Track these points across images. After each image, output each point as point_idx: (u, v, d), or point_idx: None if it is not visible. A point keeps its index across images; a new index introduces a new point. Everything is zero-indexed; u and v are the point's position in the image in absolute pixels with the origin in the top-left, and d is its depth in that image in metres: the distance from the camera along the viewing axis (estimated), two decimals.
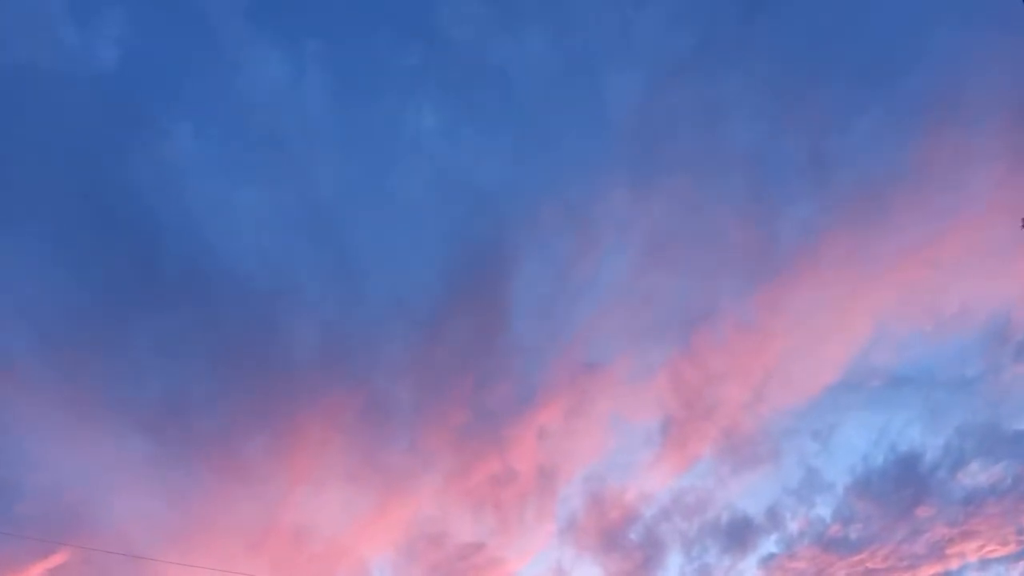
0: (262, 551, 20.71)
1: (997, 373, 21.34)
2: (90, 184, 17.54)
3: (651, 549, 23.00)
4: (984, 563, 22.17)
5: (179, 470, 19.98)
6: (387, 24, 18.99)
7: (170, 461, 19.80)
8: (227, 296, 19.25)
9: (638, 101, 19.42)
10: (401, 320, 20.63)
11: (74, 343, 18.28)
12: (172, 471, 19.89)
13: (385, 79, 19.49)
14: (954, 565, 22.22)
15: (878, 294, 21.21)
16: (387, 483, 22.10)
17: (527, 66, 19.04)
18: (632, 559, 23.09)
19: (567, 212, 20.48)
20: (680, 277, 21.20)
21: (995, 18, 17.16)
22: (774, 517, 22.97)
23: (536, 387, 22.10)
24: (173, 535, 19.79)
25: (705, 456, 23.39)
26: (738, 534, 23.01)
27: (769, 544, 23.05)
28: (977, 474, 21.81)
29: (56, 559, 18.07)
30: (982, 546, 22.07)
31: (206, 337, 19.76)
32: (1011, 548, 21.93)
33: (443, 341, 21.15)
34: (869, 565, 22.39)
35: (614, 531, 23.39)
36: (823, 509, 22.86)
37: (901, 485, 22.28)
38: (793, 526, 23.02)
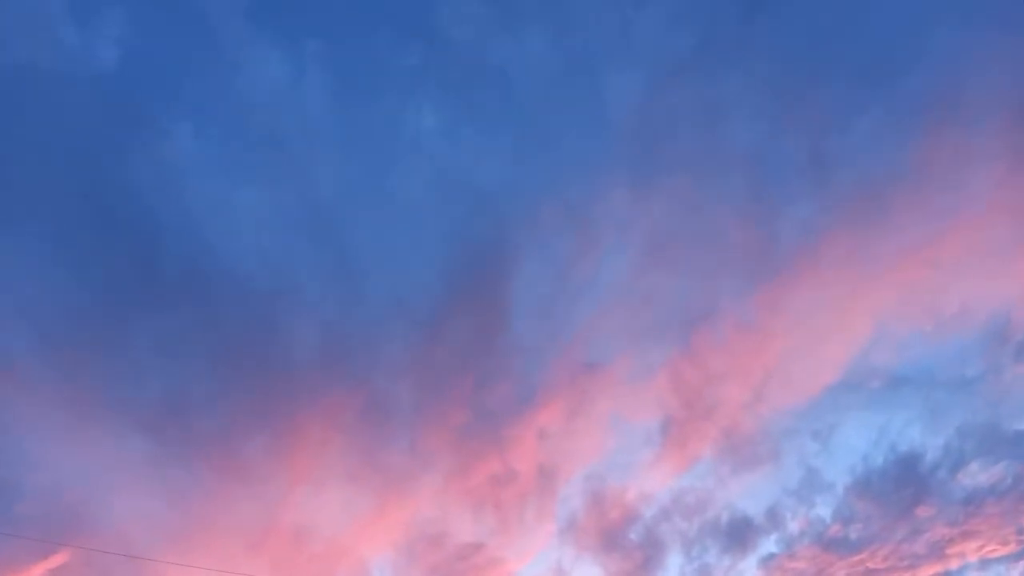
0: (262, 551, 20.75)
1: (997, 373, 21.39)
2: (90, 184, 17.54)
3: (651, 549, 23.05)
4: (984, 563, 22.23)
5: (179, 470, 20.01)
6: (387, 24, 18.98)
7: (170, 461, 19.83)
8: (227, 296, 19.27)
9: (638, 101, 19.40)
10: (401, 320, 20.64)
11: (74, 343, 18.30)
12: (172, 471, 19.93)
13: (385, 79, 19.48)
14: (954, 565, 22.28)
15: (878, 294, 21.23)
16: (387, 483, 22.14)
17: (527, 66, 19.04)
18: (632, 559, 23.13)
19: (567, 212, 20.47)
20: (680, 277, 21.21)
21: (995, 18, 17.18)
22: (774, 517, 23.03)
23: (536, 387, 22.13)
24: (173, 535, 19.83)
25: (705, 456, 23.44)
26: (738, 534, 23.06)
27: (769, 544, 23.13)
28: (977, 474, 21.85)
29: (56, 559, 18.09)
30: (982, 546, 22.11)
31: (206, 337, 19.78)
32: (1011, 548, 21.98)
33: (443, 341, 21.17)
34: (869, 565, 22.43)
35: (614, 531, 23.43)
36: (823, 509, 22.93)
37: (901, 485, 22.32)
38: (793, 526, 23.09)
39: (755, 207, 20.24)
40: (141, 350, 18.91)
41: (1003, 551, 21.98)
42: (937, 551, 22.22)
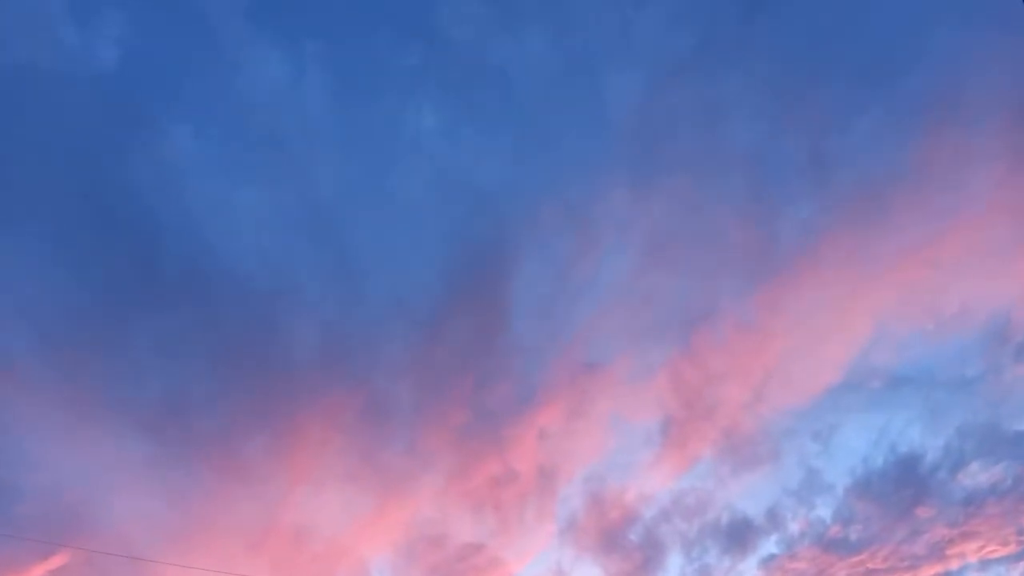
0: (262, 551, 20.73)
1: (997, 373, 21.36)
2: (90, 184, 17.54)
3: (651, 550, 23.03)
4: (984, 563, 22.21)
5: (179, 470, 20.01)
6: (387, 24, 18.98)
7: (170, 461, 19.83)
8: (227, 296, 19.27)
9: (638, 101, 19.41)
10: (401, 320, 20.64)
11: (74, 343, 18.29)
12: (172, 471, 19.92)
13: (385, 79, 19.48)
14: (954, 566, 22.25)
15: (878, 294, 21.23)
16: (387, 483, 22.13)
17: (527, 66, 19.04)
18: (632, 560, 23.11)
19: (567, 212, 20.47)
20: (680, 277, 21.21)
21: (995, 18, 17.17)
22: (774, 518, 23.01)
23: (536, 387, 22.12)
24: (173, 535, 19.82)
25: (705, 457, 23.42)
26: (738, 535, 23.04)
27: (769, 545, 23.09)
28: (977, 475, 21.83)
29: (56, 560, 18.08)
30: (982, 547, 22.09)
31: (206, 337, 19.78)
32: (1011, 548, 21.96)
33: (443, 341, 21.16)
34: (869, 566, 22.42)
35: (614, 532, 23.42)
36: (823, 510, 22.90)
37: (901, 486, 22.30)
38: (793, 527, 23.06)
39: (755, 207, 20.27)
40: (141, 350, 18.93)
41: (1003, 552, 21.99)
42: (937, 552, 22.23)
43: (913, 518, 22.28)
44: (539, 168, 20.03)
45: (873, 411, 22.52)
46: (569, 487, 23.38)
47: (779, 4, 18.43)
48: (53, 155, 16.94)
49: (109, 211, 17.76)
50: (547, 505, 23.17)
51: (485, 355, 21.93)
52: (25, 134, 16.66)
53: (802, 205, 20.09)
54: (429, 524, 22.57)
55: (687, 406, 22.75)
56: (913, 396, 22.25)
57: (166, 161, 17.85)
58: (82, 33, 17.19)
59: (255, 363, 20.16)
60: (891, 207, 19.54)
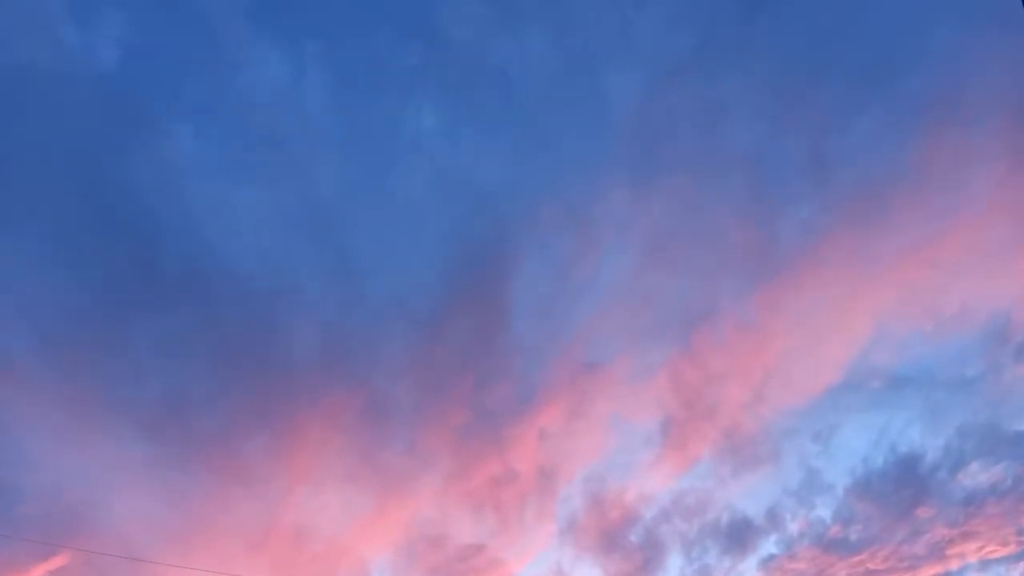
0: (262, 551, 20.74)
1: (997, 373, 21.35)
2: (90, 184, 17.54)
3: (651, 550, 23.02)
4: (984, 564, 22.20)
5: (179, 471, 20.01)
6: (387, 24, 18.98)
7: (170, 461, 19.82)
8: (227, 296, 19.27)
9: (638, 101, 19.41)
10: (401, 320, 20.64)
11: (74, 343, 18.29)
12: (172, 472, 19.92)
13: (385, 79, 19.48)
14: (954, 566, 22.25)
15: (878, 294, 21.23)
16: (387, 483, 22.13)
17: (527, 66, 19.03)
18: (632, 560, 23.11)
19: (567, 212, 20.47)
20: (680, 277, 21.21)
21: (995, 18, 17.17)
22: (774, 518, 23.00)
23: (536, 387, 22.12)
24: (173, 536, 19.82)
25: (705, 457, 23.42)
26: (738, 535, 23.04)
27: (769, 545, 23.08)
28: (977, 475, 21.83)
29: (56, 561, 18.07)
30: (982, 547, 22.09)
31: (206, 337, 19.78)
32: (1011, 549, 21.96)
33: (443, 341, 21.16)
34: (869, 566, 22.41)
35: (614, 532, 23.42)
36: (823, 510, 22.89)
37: (901, 486, 22.30)
38: (793, 527, 23.05)
39: (755, 207, 20.27)
40: (141, 350, 18.93)
41: (1003, 552, 21.98)
42: (937, 552, 22.23)
43: (913, 518, 22.31)
44: (539, 168, 20.06)
45: (873, 411, 22.56)
46: (569, 487, 23.42)
47: (779, 4, 18.44)
48: (53, 155, 16.95)
49: (109, 211, 17.78)
50: (547, 505, 23.20)
51: (485, 355, 21.97)
52: (25, 134, 16.68)
53: (802, 205, 20.13)
54: (429, 524, 22.60)
55: (687, 406, 22.79)
56: (913, 396, 22.29)
57: (166, 161, 17.88)
58: (82, 33, 17.21)
59: (255, 363, 20.18)
60: (891, 207, 19.57)
